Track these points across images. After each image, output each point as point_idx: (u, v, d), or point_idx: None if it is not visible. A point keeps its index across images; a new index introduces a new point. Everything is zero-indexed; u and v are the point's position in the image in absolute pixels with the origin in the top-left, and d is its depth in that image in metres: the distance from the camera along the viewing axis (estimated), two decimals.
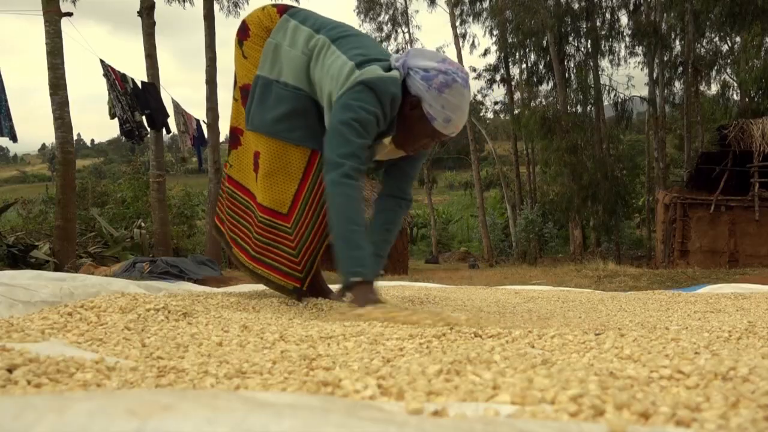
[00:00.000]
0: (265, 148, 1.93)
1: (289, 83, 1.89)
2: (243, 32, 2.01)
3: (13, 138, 5.96)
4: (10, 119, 5.91)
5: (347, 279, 1.65)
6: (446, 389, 0.66)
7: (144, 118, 7.44)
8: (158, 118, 7.62)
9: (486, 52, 24.48)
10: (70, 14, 6.42)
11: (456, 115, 1.75)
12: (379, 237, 1.96)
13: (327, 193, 1.73)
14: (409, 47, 24.20)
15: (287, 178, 1.91)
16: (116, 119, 7.17)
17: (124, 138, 7.47)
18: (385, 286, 3.90)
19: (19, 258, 5.64)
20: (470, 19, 22.60)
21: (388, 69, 1.76)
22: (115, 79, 7.15)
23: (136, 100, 7.29)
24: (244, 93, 1.99)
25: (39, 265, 5.60)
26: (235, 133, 2.06)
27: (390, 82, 1.71)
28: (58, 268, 5.51)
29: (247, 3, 14.73)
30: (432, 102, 1.72)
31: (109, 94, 7.11)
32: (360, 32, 1.98)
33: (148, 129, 7.53)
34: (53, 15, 6.07)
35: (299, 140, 1.91)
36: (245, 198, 2.05)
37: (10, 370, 0.77)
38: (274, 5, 2.02)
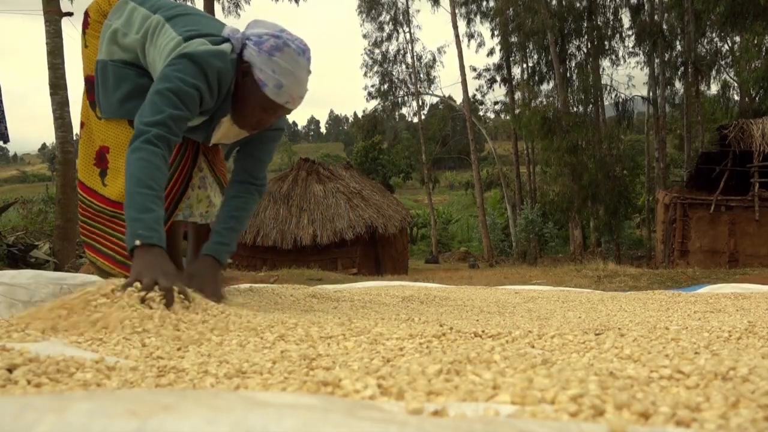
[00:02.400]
0: (114, 141, 1.84)
1: (127, 61, 1.80)
2: (85, 22, 1.94)
3: (5, 139, 5.95)
4: (4, 120, 5.90)
5: (130, 244, 1.47)
6: (446, 389, 0.66)
7: None
8: None
9: (491, 52, 24.48)
10: (70, 14, 6.42)
11: (288, 81, 1.64)
12: (225, 225, 1.86)
13: (126, 160, 1.57)
14: (410, 47, 24.39)
15: None
16: None
17: None
18: (385, 286, 3.90)
19: (19, 258, 5.64)
20: (477, 18, 22.67)
21: (220, 43, 1.67)
22: None
23: None
24: (87, 85, 1.90)
25: (39, 265, 5.59)
26: (81, 126, 1.97)
27: (215, 54, 1.62)
28: (58, 268, 5.51)
29: (248, 3, 14.74)
30: (262, 66, 1.62)
31: None
32: (203, 13, 1.90)
33: None
34: (53, 15, 6.07)
35: None
36: (84, 195, 1.93)
37: (10, 370, 0.77)
38: None
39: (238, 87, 1.70)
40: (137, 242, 1.44)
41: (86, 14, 1.94)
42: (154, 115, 1.55)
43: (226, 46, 1.65)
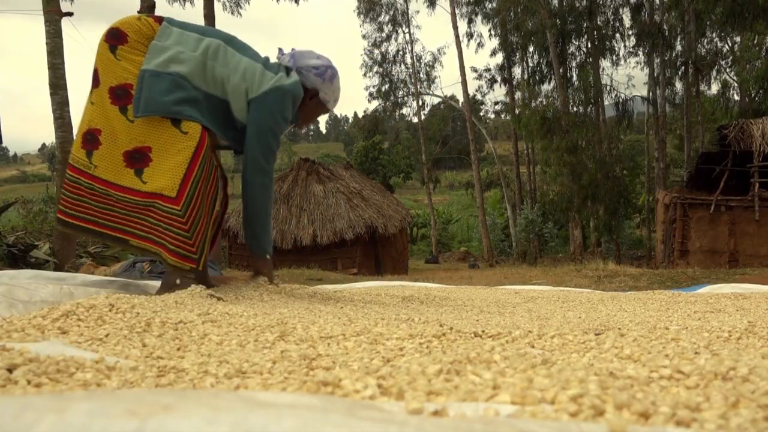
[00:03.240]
0: (158, 140, 2.04)
1: (185, 76, 2.07)
2: (117, 38, 2.10)
3: None
4: None
5: (262, 256, 2.33)
6: (446, 389, 0.66)
7: None
8: None
9: (493, 53, 24.55)
10: (70, 14, 6.42)
11: (339, 95, 2.40)
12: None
13: (253, 189, 2.20)
14: (409, 47, 24.38)
15: (176, 164, 2.03)
16: None
17: None
18: (385, 286, 3.90)
19: (19, 258, 5.65)
20: (478, 18, 22.65)
21: (286, 71, 2.25)
22: None
23: None
24: (119, 92, 2.07)
25: (39, 265, 5.60)
26: (94, 134, 2.09)
27: (299, 86, 2.23)
28: (58, 268, 5.51)
29: (248, 2, 14.74)
30: (327, 91, 2.33)
31: None
32: (233, 37, 2.30)
33: None
34: (53, 15, 6.07)
35: (197, 118, 2.07)
36: (122, 194, 2.08)
37: (10, 370, 0.77)
38: (149, 15, 2.20)
39: (306, 105, 2.34)
40: (267, 256, 2.34)
41: (121, 32, 2.12)
42: (269, 153, 2.20)
43: (297, 76, 2.24)
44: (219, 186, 2.24)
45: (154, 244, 2.07)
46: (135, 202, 2.05)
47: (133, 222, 2.08)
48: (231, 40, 2.20)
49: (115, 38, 2.09)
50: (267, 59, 2.25)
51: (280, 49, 2.34)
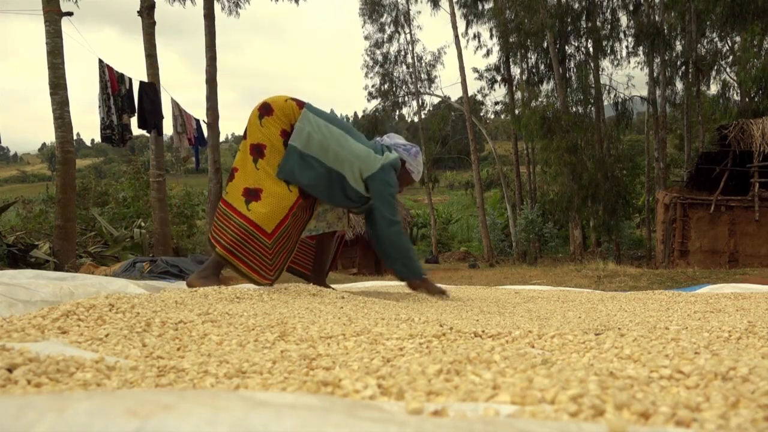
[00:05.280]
0: (268, 185, 2.69)
1: (315, 157, 2.73)
2: (266, 110, 2.76)
3: None
4: None
5: (418, 278, 2.91)
6: (446, 389, 0.66)
7: (135, 119, 7.41)
8: (151, 119, 7.58)
9: (488, 53, 24.58)
10: (70, 14, 6.42)
11: (421, 168, 3.13)
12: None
13: (390, 237, 2.82)
14: (410, 48, 24.41)
15: (279, 210, 2.68)
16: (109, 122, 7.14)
17: (102, 142, 7.46)
18: (385, 286, 3.90)
19: (19, 257, 5.65)
20: (478, 19, 22.64)
21: (388, 149, 2.95)
22: (109, 79, 7.13)
23: (129, 102, 7.26)
24: (256, 149, 2.73)
25: (39, 265, 5.60)
26: (233, 172, 2.79)
27: (398, 160, 2.93)
28: (58, 268, 5.51)
29: (248, 2, 14.74)
30: (412, 162, 3.05)
31: (99, 96, 7.09)
32: (350, 126, 2.97)
33: (132, 132, 7.49)
34: (53, 15, 6.07)
35: (307, 193, 2.74)
36: (232, 213, 2.72)
37: (10, 370, 0.77)
38: (293, 99, 2.81)
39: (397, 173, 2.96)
40: (425, 276, 2.93)
41: (270, 107, 2.76)
42: (393, 211, 2.83)
43: (396, 154, 2.95)
44: (345, 219, 3.23)
45: (240, 262, 2.67)
46: (237, 222, 2.68)
47: (233, 243, 2.68)
48: (350, 130, 2.89)
49: (265, 111, 2.75)
50: (375, 143, 2.97)
51: (380, 137, 3.11)
